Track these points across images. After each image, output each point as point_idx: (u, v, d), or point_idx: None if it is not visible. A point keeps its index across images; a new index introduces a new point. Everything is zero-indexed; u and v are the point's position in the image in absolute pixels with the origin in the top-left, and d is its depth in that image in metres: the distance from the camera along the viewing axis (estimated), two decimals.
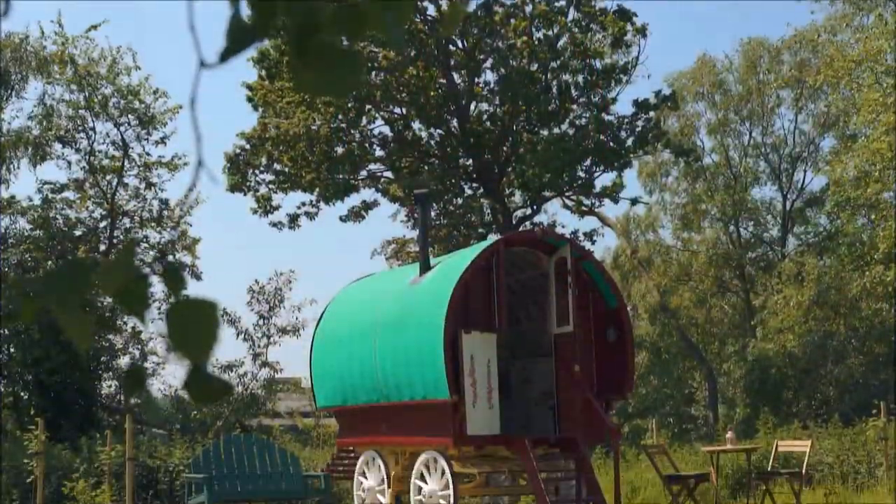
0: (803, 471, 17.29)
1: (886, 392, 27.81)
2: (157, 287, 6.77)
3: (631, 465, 22.45)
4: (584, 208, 34.87)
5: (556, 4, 31.71)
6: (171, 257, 35.80)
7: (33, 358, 28.29)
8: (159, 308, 17.88)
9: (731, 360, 43.95)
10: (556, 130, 32.05)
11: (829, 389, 31.21)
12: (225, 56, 1.40)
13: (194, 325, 1.32)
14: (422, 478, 15.04)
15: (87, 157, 35.72)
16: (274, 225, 33.63)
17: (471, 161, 32.88)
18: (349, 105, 30.50)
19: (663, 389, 44.23)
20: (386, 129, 33.41)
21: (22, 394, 30.97)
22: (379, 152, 33.30)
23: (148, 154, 36.55)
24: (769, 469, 17.94)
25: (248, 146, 31.89)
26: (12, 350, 30.53)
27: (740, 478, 19.70)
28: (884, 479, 18.12)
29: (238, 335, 32.42)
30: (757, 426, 24.22)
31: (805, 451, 17.76)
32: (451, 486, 14.32)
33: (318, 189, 31.81)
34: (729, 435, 18.28)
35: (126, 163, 35.89)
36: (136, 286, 1.38)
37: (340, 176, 31.88)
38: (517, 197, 35.19)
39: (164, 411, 30.09)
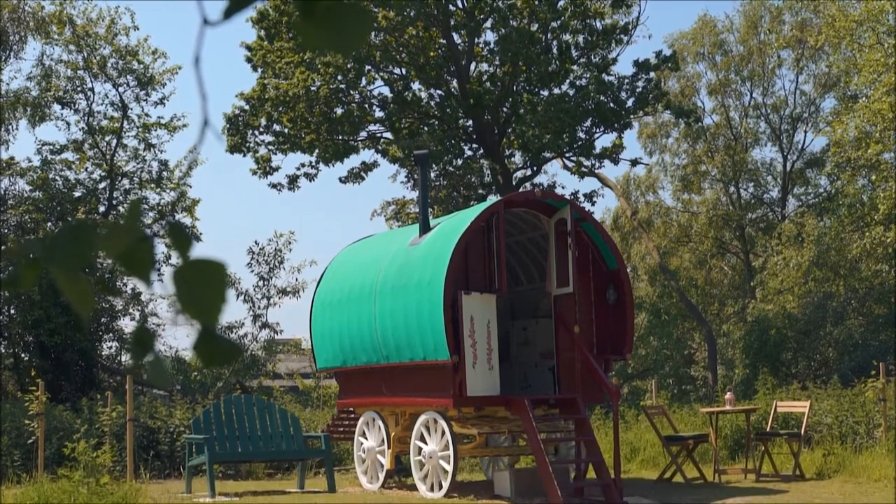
0: (802, 431, 17.35)
1: (885, 353, 27.82)
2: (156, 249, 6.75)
3: (630, 425, 22.50)
4: (584, 169, 34.75)
5: None
6: (170, 219, 35.71)
7: (33, 319, 28.32)
8: (158, 270, 17.88)
9: (731, 321, 44.04)
10: (556, 91, 31.87)
11: (828, 350, 31.23)
12: (229, 12, 1.37)
13: (202, 286, 1.30)
14: (422, 438, 15.12)
15: (85, 118, 35.63)
16: (273, 186, 33.55)
17: (470, 122, 32.72)
18: (348, 66, 30.36)
19: (663, 350, 44.24)
20: (385, 90, 33.26)
21: (22, 355, 31.04)
22: (378, 113, 33.16)
23: (147, 115, 36.51)
24: (768, 430, 17.99)
25: (247, 107, 31.74)
26: (12, 312, 30.55)
27: (739, 438, 19.76)
28: (882, 440, 18.17)
29: (238, 296, 32.52)
30: (756, 387, 24.24)
31: (804, 412, 17.82)
32: (450, 446, 14.40)
33: (317, 150, 31.71)
34: (728, 396, 18.31)
35: (125, 124, 35.82)
36: (140, 248, 1.36)
37: (340, 137, 31.78)
38: (517, 158, 35.08)
39: (172, 373, 30.14)
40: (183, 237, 1.36)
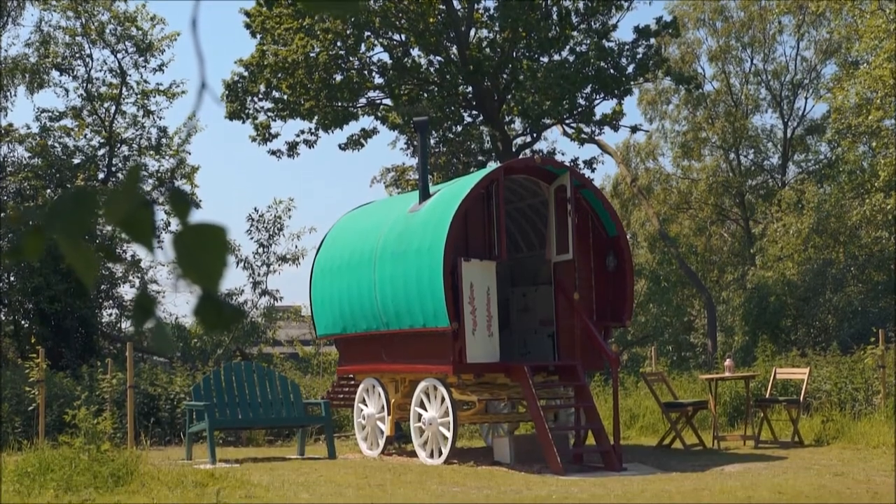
0: (801, 398, 17.41)
1: (885, 320, 27.81)
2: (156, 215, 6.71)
3: (630, 392, 22.60)
4: (583, 136, 34.65)
5: None
6: (170, 185, 35.68)
7: (33, 287, 28.33)
8: (158, 237, 17.91)
9: (731, 287, 44.11)
10: (556, 57, 31.75)
11: (827, 317, 31.24)
12: None
13: (203, 251, 1.30)
14: (421, 405, 15.18)
15: (84, 84, 35.47)
16: (273, 153, 33.49)
17: (470, 88, 32.60)
18: (347, 32, 30.22)
19: (662, 317, 44.32)
20: (385, 57, 33.13)
21: (22, 322, 31.10)
22: (378, 80, 33.03)
23: (146, 81, 36.34)
24: (767, 397, 18.06)
25: (246, 73, 31.61)
26: (12, 279, 30.57)
27: (739, 405, 19.82)
28: (881, 407, 18.22)
29: (238, 263, 32.57)
30: (756, 354, 24.28)
31: (803, 378, 17.87)
32: (450, 413, 14.45)
33: (316, 117, 31.61)
34: (727, 363, 18.34)
35: (124, 90, 35.65)
36: (141, 214, 1.36)
37: (339, 103, 31.67)
38: (517, 124, 35.00)
39: (175, 340, 30.18)
40: (183, 202, 1.36)
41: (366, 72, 32.43)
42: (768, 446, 16.87)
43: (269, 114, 32.56)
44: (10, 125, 33.91)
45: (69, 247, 1.34)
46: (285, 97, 31.59)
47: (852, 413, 18.83)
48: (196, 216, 1.34)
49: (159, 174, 35.93)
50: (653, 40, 32.62)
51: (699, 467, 14.03)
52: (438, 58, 32.71)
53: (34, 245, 1.40)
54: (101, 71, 36.26)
